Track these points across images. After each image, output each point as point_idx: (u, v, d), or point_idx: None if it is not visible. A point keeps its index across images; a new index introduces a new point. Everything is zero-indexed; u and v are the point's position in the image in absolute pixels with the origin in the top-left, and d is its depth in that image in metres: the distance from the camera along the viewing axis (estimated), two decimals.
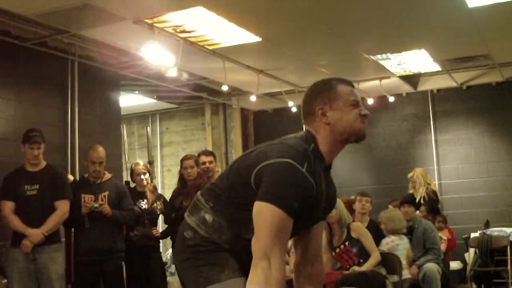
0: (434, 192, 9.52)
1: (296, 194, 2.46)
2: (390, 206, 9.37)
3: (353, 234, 6.71)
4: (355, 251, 6.66)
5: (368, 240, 6.71)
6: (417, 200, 9.09)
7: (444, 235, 8.76)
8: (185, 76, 9.48)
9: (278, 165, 2.49)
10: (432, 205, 9.31)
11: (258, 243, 2.44)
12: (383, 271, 6.60)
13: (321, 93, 2.75)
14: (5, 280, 6.15)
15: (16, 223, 5.96)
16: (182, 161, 7.10)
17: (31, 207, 6.01)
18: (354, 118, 2.70)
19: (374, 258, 6.60)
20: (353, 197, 8.73)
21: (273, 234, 2.42)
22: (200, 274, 2.63)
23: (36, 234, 5.92)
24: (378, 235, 7.35)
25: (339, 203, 6.80)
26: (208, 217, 2.70)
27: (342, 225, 6.74)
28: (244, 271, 2.55)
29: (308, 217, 2.70)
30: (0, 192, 6.08)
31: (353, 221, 7.13)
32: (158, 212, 7.40)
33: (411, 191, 9.58)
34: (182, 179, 7.10)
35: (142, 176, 7.37)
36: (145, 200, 7.27)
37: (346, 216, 6.84)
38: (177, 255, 2.81)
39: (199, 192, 2.85)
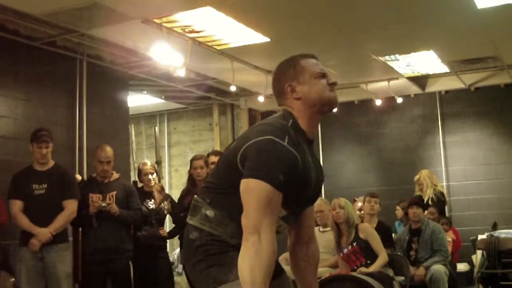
0: (442, 193, 9.53)
1: (281, 167, 2.51)
2: (398, 207, 9.38)
3: (361, 235, 6.71)
4: (362, 252, 6.65)
5: (375, 241, 6.71)
6: (425, 202, 9.08)
7: (449, 236, 8.74)
8: (193, 76, 9.50)
9: (259, 142, 2.56)
10: (442, 206, 9.30)
11: (247, 218, 2.48)
12: (390, 272, 6.59)
13: (287, 71, 2.85)
14: (13, 279, 6.17)
15: (24, 222, 5.97)
16: (191, 161, 7.09)
17: (39, 206, 6.01)
18: (322, 88, 2.79)
19: (382, 259, 6.60)
20: (361, 198, 8.75)
21: (261, 208, 2.46)
22: (209, 276, 2.64)
23: (44, 233, 5.92)
24: (386, 236, 7.35)
25: (347, 203, 6.82)
26: (209, 212, 2.72)
27: (350, 225, 6.74)
28: None
29: (301, 194, 2.72)
30: (8, 191, 6.09)
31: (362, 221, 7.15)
32: (165, 212, 7.40)
33: (417, 193, 9.56)
34: (191, 179, 7.08)
35: (150, 176, 7.36)
36: (153, 200, 7.27)
37: (354, 217, 6.85)
38: (187, 260, 2.81)
39: (195, 195, 2.87)
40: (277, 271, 2.84)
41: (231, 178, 2.62)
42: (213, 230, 2.69)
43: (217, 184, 2.75)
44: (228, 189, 2.67)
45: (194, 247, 2.72)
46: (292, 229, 3.00)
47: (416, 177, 9.73)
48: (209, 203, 2.73)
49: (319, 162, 2.92)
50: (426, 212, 8.68)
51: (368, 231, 6.81)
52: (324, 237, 7.12)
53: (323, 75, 2.82)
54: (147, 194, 7.29)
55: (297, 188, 2.64)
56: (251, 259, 2.40)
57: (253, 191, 2.48)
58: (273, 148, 2.53)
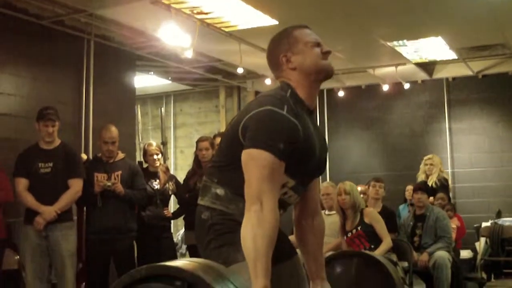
0: (445, 179, 9.47)
1: (280, 136, 2.53)
2: (408, 188, 9.33)
3: (366, 219, 6.72)
4: (367, 236, 6.66)
5: (380, 225, 6.71)
6: (429, 185, 9.03)
7: (453, 223, 8.73)
8: (200, 58, 9.48)
9: (259, 113, 2.59)
10: (445, 192, 9.28)
11: (250, 188, 2.50)
12: (394, 257, 6.60)
13: (281, 42, 2.86)
14: (18, 256, 6.20)
15: (29, 200, 6.00)
16: (197, 142, 7.10)
17: (44, 185, 6.04)
18: (316, 56, 2.81)
19: (386, 244, 6.61)
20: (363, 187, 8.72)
21: (263, 177, 2.48)
22: (220, 255, 2.65)
23: (48, 211, 5.95)
24: (390, 220, 7.35)
25: (353, 188, 6.81)
26: (219, 191, 2.74)
27: (356, 209, 6.75)
28: None
29: (305, 162, 2.72)
30: (14, 169, 6.11)
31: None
32: (170, 193, 7.42)
33: (421, 176, 9.50)
34: (197, 160, 7.10)
35: (155, 157, 7.37)
36: (157, 181, 7.29)
37: (360, 201, 6.85)
38: (200, 241, 2.82)
39: (204, 176, 2.89)
40: (290, 252, 2.87)
41: (235, 153, 2.63)
42: (224, 208, 2.71)
43: (222, 162, 2.77)
44: (232, 164, 2.68)
45: (206, 227, 2.74)
46: (297, 202, 3.00)
47: (429, 156, 9.59)
48: (217, 182, 2.75)
49: (322, 134, 2.95)
50: (435, 197, 8.66)
51: (373, 215, 6.82)
52: (328, 220, 7.12)
53: (317, 44, 2.84)
54: (152, 175, 7.30)
55: (301, 157, 2.65)
56: (254, 228, 2.42)
57: (254, 160, 2.50)
58: (272, 118, 2.56)
